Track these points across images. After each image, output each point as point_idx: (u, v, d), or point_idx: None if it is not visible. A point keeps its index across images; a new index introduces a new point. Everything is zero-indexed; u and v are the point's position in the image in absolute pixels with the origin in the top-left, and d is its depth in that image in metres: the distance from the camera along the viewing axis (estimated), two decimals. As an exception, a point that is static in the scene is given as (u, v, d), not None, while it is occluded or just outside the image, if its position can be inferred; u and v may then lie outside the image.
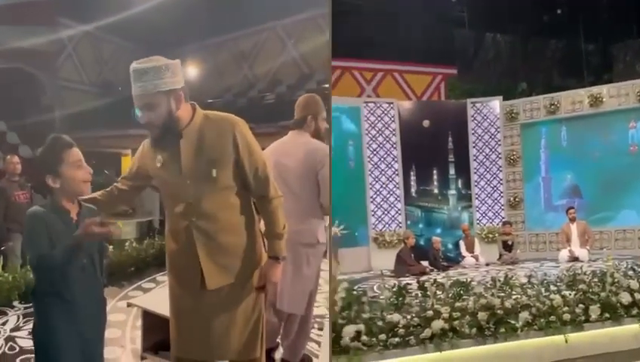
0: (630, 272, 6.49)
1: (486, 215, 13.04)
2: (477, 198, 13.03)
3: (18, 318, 6.50)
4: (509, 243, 12.19)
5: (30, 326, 5.39)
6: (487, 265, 11.70)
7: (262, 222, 3.82)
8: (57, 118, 14.76)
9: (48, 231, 3.36)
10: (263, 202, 3.74)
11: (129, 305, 5.84)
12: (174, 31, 13.79)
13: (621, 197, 12.25)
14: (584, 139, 12.80)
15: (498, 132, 13.20)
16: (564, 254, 11.72)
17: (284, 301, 4.88)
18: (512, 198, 13.24)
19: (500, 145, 13.18)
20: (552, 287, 6.33)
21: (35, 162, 3.47)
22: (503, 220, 12.72)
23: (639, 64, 14.81)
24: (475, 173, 13.11)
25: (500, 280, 6.35)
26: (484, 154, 13.17)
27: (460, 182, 13.03)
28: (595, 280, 6.45)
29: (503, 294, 5.95)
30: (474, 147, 13.14)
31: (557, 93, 13.15)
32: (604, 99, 12.43)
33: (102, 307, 3.70)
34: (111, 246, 7.98)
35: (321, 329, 6.21)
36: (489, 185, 13.04)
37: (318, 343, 5.88)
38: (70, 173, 3.43)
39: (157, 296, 6.15)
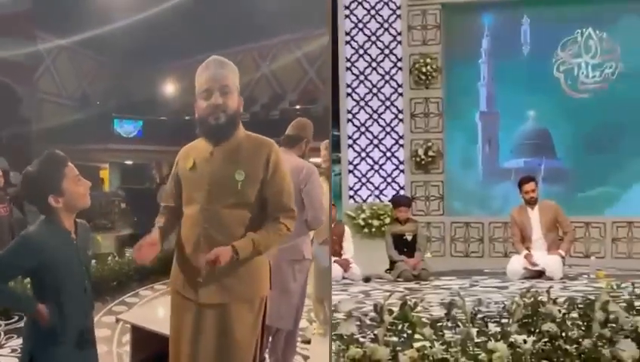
0: (638, 302, 5.10)
1: (368, 181, 10.82)
2: (352, 148, 10.98)
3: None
4: (408, 238, 9.18)
5: (12, 343, 6.48)
6: (367, 281, 8.96)
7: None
8: (35, 130, 15.79)
9: (42, 256, 3.47)
10: (273, 222, 3.99)
11: (117, 320, 6.41)
12: (152, 48, 15.07)
13: (632, 159, 10.05)
14: (563, 43, 10.44)
15: (397, 17, 10.54)
16: (516, 265, 8.85)
17: (272, 316, 4.94)
18: (420, 151, 10.52)
19: (399, 43, 10.55)
20: (493, 328, 4.81)
21: (32, 181, 3.53)
22: (398, 195, 10.26)
23: None
24: (350, 95, 10.86)
25: (390, 312, 4.56)
26: (367, 59, 10.77)
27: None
28: (575, 315, 5.00)
29: (395, 339, 4.36)
30: (348, 44, 10.81)
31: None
32: None
33: (92, 329, 3.84)
34: (93, 261, 8.59)
35: (304, 342, 6.43)
36: (376, 122, 10.59)
37: (305, 357, 6.21)
38: (73, 189, 3.56)
39: (145, 310, 7.23)
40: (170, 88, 16.99)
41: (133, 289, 9.01)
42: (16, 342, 6.38)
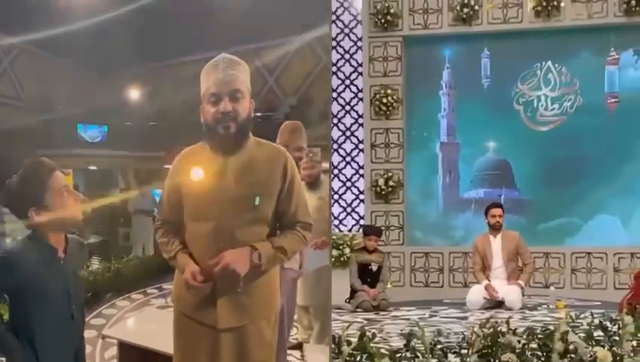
0: (597, 332, 5.12)
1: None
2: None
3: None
4: (374, 268, 9.13)
5: None
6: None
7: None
8: (-9, 134, 18.63)
9: (20, 277, 3.12)
10: (291, 230, 3.79)
11: (103, 337, 6.39)
12: (115, 53, 12.64)
13: (590, 191, 10.12)
14: (523, 76, 10.48)
15: (358, 49, 10.55)
16: (476, 295, 8.87)
17: None
18: (380, 181, 10.41)
19: (360, 75, 10.55)
20: (453, 359, 5.00)
21: (13, 192, 3.23)
22: (369, 224, 10.08)
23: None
24: (310, 125, 10.73)
25: (348, 343, 4.69)
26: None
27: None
28: (534, 346, 5.05)
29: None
30: (310, 77, 11.13)
31: (476, -17, 10.62)
32: (561, 5, 9.82)
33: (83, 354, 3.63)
34: None
35: (292, 348, 6.37)
36: (336, 152, 10.63)
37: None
38: (58, 203, 3.23)
39: (131, 325, 7.09)
40: (135, 93, 14.50)
41: (109, 301, 8.66)
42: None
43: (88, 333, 6.61)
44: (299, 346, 6.46)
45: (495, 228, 8.99)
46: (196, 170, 3.67)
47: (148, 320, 6.89)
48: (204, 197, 3.65)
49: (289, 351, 6.26)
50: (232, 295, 3.60)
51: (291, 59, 13.93)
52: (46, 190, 3.19)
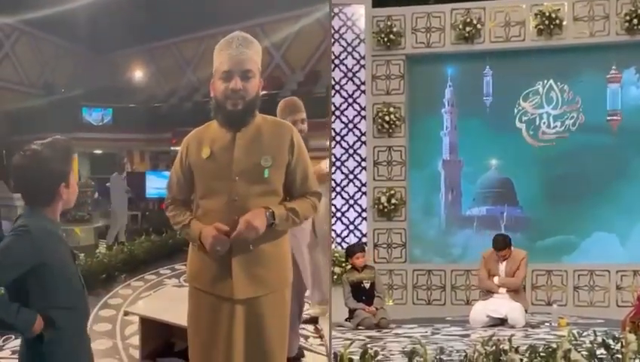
0: (600, 351, 5.08)
1: (331, 229, 9.56)
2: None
3: (-3, 337, 6.80)
4: (366, 286, 8.92)
5: (10, 344, 6.32)
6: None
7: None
8: (-4, 119, 18.05)
9: (43, 253, 3.08)
10: (302, 198, 3.88)
11: (126, 313, 6.68)
12: (117, 34, 12.98)
13: (591, 208, 9.92)
14: (525, 94, 10.26)
15: (361, 67, 10.33)
16: (480, 312, 8.61)
17: None
18: (382, 199, 10.14)
19: (363, 93, 10.32)
20: None
21: (43, 163, 3.14)
22: (357, 243, 9.84)
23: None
24: (311, 141, 10.16)
25: (350, 361, 4.73)
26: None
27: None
28: None
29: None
30: (309, 91, 10.90)
31: (478, 2, 10.03)
32: (563, 23, 9.63)
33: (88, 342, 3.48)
34: (82, 254, 8.69)
35: (306, 322, 6.29)
36: (339, 170, 10.25)
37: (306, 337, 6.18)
38: (73, 184, 3.29)
39: (151, 302, 7.28)
40: (139, 74, 15.29)
41: (123, 281, 8.76)
42: (15, 342, 5.88)
43: (107, 312, 7.06)
44: (314, 320, 6.46)
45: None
46: (205, 148, 3.74)
47: (167, 297, 7.05)
48: (215, 172, 3.72)
49: (303, 325, 6.26)
50: (247, 267, 3.68)
51: (298, 34, 13.73)
52: (71, 170, 3.21)
